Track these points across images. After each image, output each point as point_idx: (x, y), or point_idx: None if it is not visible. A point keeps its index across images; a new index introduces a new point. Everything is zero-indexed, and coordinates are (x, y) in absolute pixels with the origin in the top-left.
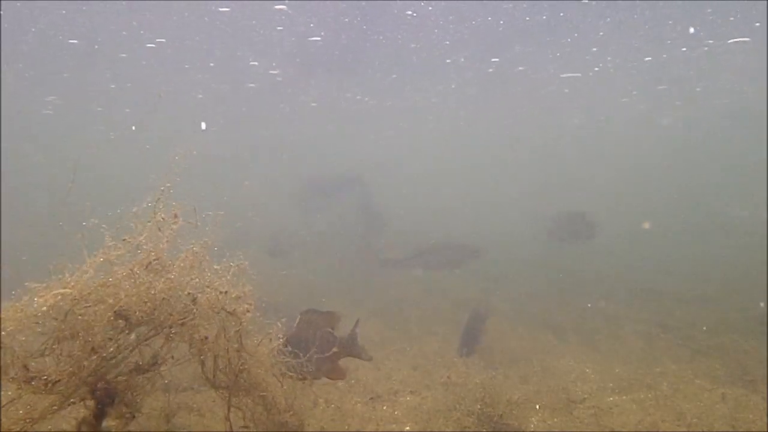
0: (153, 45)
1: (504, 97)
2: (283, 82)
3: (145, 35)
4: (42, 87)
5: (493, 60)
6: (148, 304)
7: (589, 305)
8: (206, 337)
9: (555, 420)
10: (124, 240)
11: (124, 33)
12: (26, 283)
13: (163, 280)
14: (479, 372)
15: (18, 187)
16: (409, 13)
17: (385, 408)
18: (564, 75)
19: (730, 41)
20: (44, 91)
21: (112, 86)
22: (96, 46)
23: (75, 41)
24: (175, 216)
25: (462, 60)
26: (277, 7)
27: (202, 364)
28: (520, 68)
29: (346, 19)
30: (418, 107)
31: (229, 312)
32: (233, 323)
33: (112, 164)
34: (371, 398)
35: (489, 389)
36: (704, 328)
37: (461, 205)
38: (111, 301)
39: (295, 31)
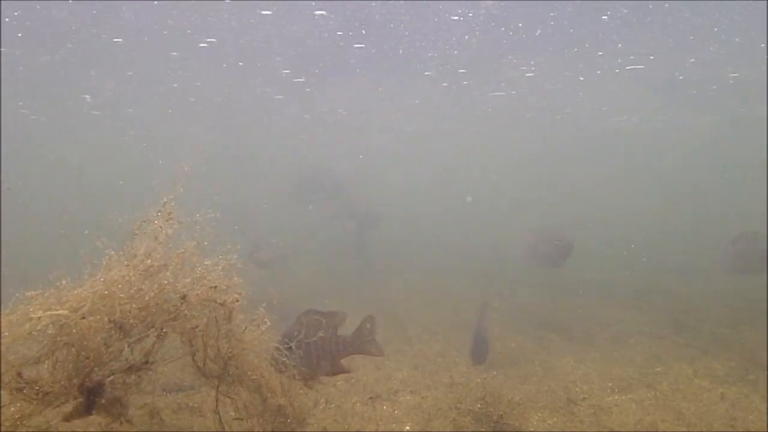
0: (205, 44)
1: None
2: (302, 91)
3: (193, 35)
4: (79, 86)
5: (460, 71)
6: (143, 311)
7: (591, 305)
8: (196, 326)
9: (555, 420)
10: (127, 266)
11: (165, 32)
12: (17, 295)
13: (156, 285)
14: (480, 372)
15: (26, 187)
16: (455, 18)
17: (385, 408)
18: (493, 93)
19: (628, 67)
20: (80, 90)
21: (175, 85)
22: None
23: (119, 39)
24: (170, 215)
25: (428, 73)
26: (317, 12)
27: (193, 354)
28: (465, 82)
29: (392, 24)
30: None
31: (219, 303)
32: (222, 313)
33: (121, 165)
34: (371, 398)
35: (490, 389)
36: (706, 327)
37: (447, 209)
38: (106, 319)
39: (332, 36)
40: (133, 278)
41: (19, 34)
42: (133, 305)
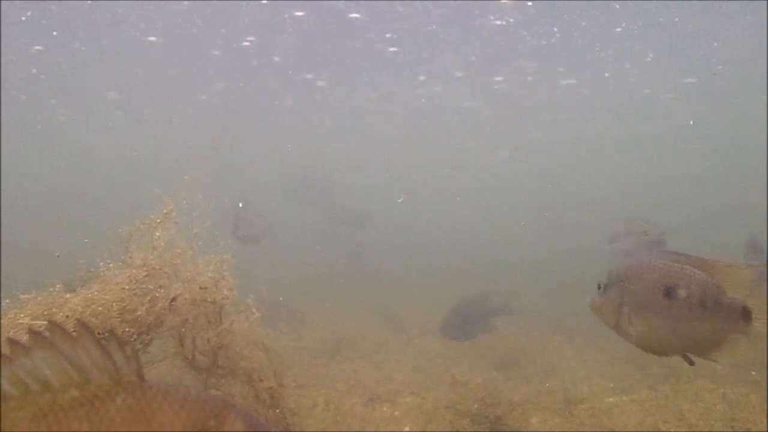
0: (248, 43)
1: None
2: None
3: (228, 34)
4: (103, 84)
5: (457, 74)
6: (133, 325)
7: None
8: (187, 320)
9: (555, 421)
10: (123, 288)
11: (194, 30)
12: (7, 302)
13: (149, 297)
14: (482, 372)
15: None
16: (498, 22)
17: (385, 409)
18: (466, 104)
19: (565, 82)
20: (107, 87)
21: (221, 85)
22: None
23: (153, 38)
24: (167, 218)
25: (422, 78)
26: (351, 15)
27: (182, 346)
28: (436, 88)
29: (428, 27)
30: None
31: (209, 302)
32: (213, 309)
33: (129, 168)
34: (371, 399)
35: (490, 390)
36: None
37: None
38: (96, 332)
39: (367, 39)
40: (126, 291)
41: (55, 33)
42: (125, 320)
